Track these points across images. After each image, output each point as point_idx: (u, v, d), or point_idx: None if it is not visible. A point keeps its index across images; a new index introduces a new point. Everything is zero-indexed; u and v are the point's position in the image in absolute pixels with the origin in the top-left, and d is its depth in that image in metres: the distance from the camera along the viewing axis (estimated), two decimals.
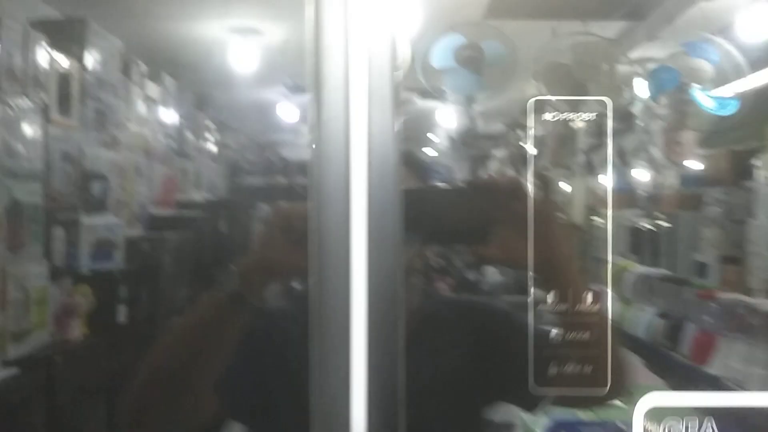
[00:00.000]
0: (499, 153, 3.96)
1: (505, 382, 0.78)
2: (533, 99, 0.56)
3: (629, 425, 1.61)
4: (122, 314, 2.01)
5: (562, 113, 0.63)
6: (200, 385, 0.69)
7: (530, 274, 0.65)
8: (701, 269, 4.18)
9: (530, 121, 0.53)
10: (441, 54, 1.70)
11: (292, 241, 0.64)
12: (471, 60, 1.71)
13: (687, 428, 0.37)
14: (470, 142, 3.69)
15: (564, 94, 2.21)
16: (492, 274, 3.28)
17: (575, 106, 1.76)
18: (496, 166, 4.21)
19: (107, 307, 1.94)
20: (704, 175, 4.28)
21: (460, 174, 7.10)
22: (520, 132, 3.44)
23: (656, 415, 0.38)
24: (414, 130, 4.65)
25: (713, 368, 2.10)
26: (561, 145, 3.67)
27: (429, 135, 5.27)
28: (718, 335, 2.12)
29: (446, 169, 6.90)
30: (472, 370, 0.79)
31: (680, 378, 2.14)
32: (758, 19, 1.98)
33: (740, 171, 3.97)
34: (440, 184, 0.78)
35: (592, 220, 5.56)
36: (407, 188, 0.58)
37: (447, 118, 3.84)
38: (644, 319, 2.68)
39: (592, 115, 0.66)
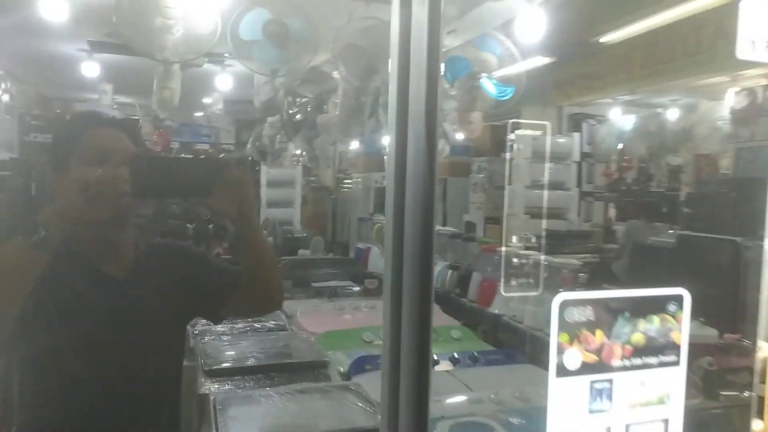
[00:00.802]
0: (273, 119, 4.08)
1: (200, 302, 1.10)
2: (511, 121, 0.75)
3: (441, 355, 1.91)
4: None
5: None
6: None
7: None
8: (470, 227, 4.87)
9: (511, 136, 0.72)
10: (249, 27, 1.77)
11: (89, 198, 0.84)
12: (276, 35, 1.81)
13: (577, 313, 0.61)
14: (272, 111, 3.76)
15: (358, 72, 2.43)
16: None
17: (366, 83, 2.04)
18: (268, 132, 4.33)
19: None
20: (472, 146, 4.94)
21: (227, 137, 7.18)
22: (292, 100, 3.62)
23: (562, 306, 0.61)
24: (193, 93, 4.59)
25: (495, 308, 2.56)
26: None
27: (205, 99, 5.19)
28: (498, 281, 2.58)
29: (215, 131, 6.90)
30: (177, 293, 1.07)
31: (470, 317, 2.56)
32: (530, 18, 2.38)
33: (498, 144, 4.68)
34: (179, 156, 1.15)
35: (343, 183, 6.02)
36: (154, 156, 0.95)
37: (226, 84, 3.86)
38: (436, 271, 3.10)
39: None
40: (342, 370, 1.86)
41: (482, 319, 2.52)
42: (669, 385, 0.66)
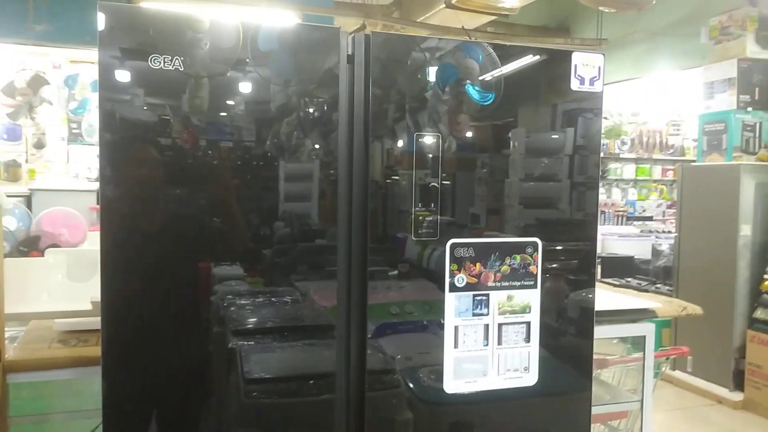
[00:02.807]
0: (289, 118, 4.43)
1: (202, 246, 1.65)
2: None
3: (432, 322, 2.31)
4: None
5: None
6: None
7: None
8: (475, 218, 5.24)
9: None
10: (266, 38, 1.85)
11: (137, 184, 1.48)
12: (290, 45, 1.82)
13: (462, 251, 0.98)
14: (287, 114, 4.09)
15: (377, 84, 2.69)
16: (279, 227, 3.85)
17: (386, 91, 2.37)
18: (285, 129, 4.66)
19: None
20: (476, 144, 5.29)
21: (248, 135, 7.64)
22: (308, 100, 3.92)
23: (452, 246, 0.97)
24: (219, 98, 4.95)
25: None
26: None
27: (229, 102, 5.58)
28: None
29: (237, 130, 7.36)
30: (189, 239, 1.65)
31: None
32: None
33: (500, 141, 5.02)
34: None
35: (391, 178, 6.41)
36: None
37: (246, 89, 4.21)
38: (436, 254, 3.46)
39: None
40: (369, 336, 2.20)
41: (465, 288, 2.86)
42: (529, 300, 1.02)
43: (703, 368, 4.55)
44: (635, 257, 6.11)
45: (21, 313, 1.95)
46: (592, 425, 2.29)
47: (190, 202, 1.66)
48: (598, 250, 6.52)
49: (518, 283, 0.99)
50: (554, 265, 1.32)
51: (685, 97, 6.79)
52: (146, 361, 1.56)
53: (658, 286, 5.31)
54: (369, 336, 2.18)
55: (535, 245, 0.97)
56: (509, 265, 0.98)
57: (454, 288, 0.92)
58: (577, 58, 1.24)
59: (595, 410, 1.70)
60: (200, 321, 1.69)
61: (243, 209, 1.66)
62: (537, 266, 0.99)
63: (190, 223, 1.63)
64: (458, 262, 0.92)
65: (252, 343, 2.05)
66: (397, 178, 1.53)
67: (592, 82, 1.35)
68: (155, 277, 1.57)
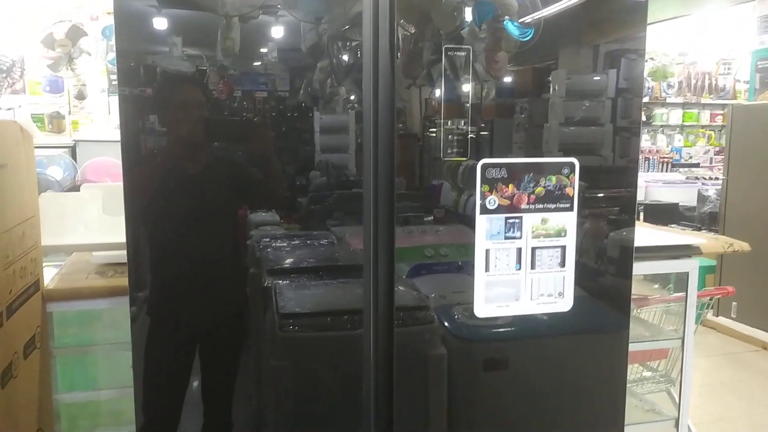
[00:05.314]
0: (322, 64, 4.32)
1: (243, 192, 1.66)
2: None
3: (466, 263, 2.29)
4: None
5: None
6: None
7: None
8: None
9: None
10: None
11: (179, 130, 1.49)
12: None
13: (495, 171, 0.95)
14: (318, 56, 4.02)
15: (411, 21, 2.63)
16: (315, 177, 3.86)
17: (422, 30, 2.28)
18: (318, 76, 4.58)
19: None
20: (514, 88, 5.14)
21: (282, 84, 7.54)
22: (340, 44, 3.80)
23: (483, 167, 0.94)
24: (252, 44, 4.90)
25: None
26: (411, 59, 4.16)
27: (263, 49, 5.51)
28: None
29: (270, 78, 7.31)
30: (229, 184, 1.64)
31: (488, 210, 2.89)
32: None
33: (539, 84, 4.86)
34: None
35: (428, 129, 6.32)
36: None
37: (280, 34, 4.14)
38: (472, 200, 3.43)
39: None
40: (403, 276, 2.20)
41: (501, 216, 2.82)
42: (565, 223, 0.99)
43: (747, 314, 4.45)
44: (680, 204, 5.94)
45: (59, 245, 2.04)
46: (629, 365, 2.27)
47: (228, 149, 1.69)
48: (642, 198, 6.40)
49: (553, 206, 0.96)
50: (594, 211, 1.29)
51: (737, 35, 6.44)
52: (177, 294, 1.61)
53: (703, 231, 5.18)
54: (404, 276, 2.20)
55: (572, 165, 0.94)
56: (544, 187, 0.95)
57: (485, 210, 0.90)
58: None
59: (632, 347, 1.68)
60: (239, 262, 1.73)
61: (280, 159, 1.67)
62: (573, 188, 0.96)
63: (228, 169, 1.65)
64: (490, 183, 0.90)
65: (287, 281, 2.09)
66: (433, 129, 1.50)
67: None
68: (190, 219, 1.59)
